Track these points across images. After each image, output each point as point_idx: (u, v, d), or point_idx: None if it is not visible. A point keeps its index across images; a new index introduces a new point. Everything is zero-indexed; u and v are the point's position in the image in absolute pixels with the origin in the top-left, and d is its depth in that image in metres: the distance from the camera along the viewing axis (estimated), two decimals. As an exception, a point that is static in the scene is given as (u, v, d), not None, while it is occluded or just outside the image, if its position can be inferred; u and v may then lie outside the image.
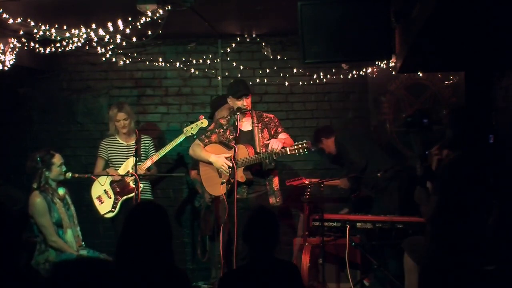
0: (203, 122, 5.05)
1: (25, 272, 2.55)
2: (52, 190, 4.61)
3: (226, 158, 4.59)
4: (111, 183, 5.13)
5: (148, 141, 5.31)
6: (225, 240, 4.72)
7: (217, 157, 4.65)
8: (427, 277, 3.67)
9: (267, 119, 4.79)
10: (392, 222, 4.91)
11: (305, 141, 4.33)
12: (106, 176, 5.12)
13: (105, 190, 5.13)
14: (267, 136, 4.70)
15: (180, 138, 5.12)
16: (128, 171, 5.02)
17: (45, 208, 4.51)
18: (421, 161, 4.24)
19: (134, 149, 5.06)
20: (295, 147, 4.32)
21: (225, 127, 4.81)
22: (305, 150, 4.30)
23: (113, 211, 5.10)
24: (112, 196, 5.12)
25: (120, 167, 5.15)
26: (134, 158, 4.94)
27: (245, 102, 4.64)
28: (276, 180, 4.73)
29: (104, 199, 5.13)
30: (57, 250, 4.52)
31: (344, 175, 5.55)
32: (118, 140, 5.24)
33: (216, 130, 4.83)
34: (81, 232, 4.81)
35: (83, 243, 4.77)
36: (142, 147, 5.18)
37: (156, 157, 5.15)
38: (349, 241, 4.96)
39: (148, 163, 5.09)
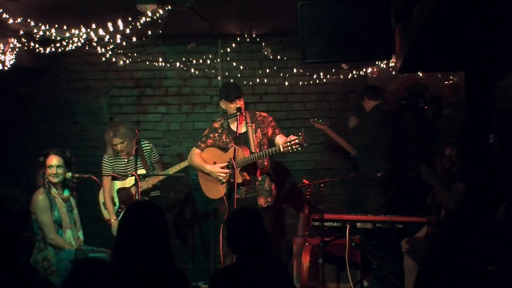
0: None
1: (24, 271, 2.54)
2: (54, 189, 4.63)
3: (221, 167, 4.61)
4: (119, 191, 5.14)
5: (149, 148, 5.24)
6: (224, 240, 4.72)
7: (212, 167, 4.67)
8: (426, 274, 3.67)
9: (261, 118, 4.78)
10: (392, 222, 4.91)
11: (297, 136, 4.27)
12: (114, 183, 5.13)
13: (111, 196, 5.14)
14: (260, 136, 4.70)
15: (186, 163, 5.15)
16: (129, 174, 5.00)
17: (47, 205, 4.56)
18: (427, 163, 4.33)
19: (135, 161, 4.98)
20: (288, 144, 4.29)
21: (219, 131, 4.81)
22: (298, 146, 4.27)
23: (115, 219, 5.08)
24: (117, 204, 5.11)
25: (126, 178, 5.16)
26: (135, 158, 4.93)
27: (238, 104, 4.64)
28: (268, 180, 4.73)
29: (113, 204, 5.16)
30: (56, 248, 4.54)
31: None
32: (119, 156, 5.19)
33: (211, 134, 4.84)
34: (83, 235, 4.82)
35: (83, 244, 4.79)
36: (144, 154, 5.13)
37: (161, 177, 5.17)
38: (349, 241, 4.96)
39: (154, 180, 5.11)
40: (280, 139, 4.66)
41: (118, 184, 5.17)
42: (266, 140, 4.76)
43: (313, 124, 5.70)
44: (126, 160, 5.16)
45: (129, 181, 5.11)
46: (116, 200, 5.14)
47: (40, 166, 4.69)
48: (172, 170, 5.19)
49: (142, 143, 5.18)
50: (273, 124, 4.81)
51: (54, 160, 4.63)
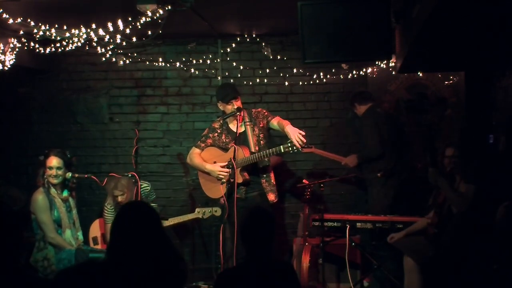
0: (217, 211, 5.00)
1: (24, 270, 2.54)
2: (53, 189, 4.64)
3: (222, 167, 4.62)
4: None
5: (147, 190, 5.16)
6: (224, 240, 4.73)
7: (212, 166, 4.67)
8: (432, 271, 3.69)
9: (255, 114, 4.79)
10: (392, 222, 4.91)
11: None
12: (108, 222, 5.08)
13: (103, 234, 5.10)
14: (257, 133, 4.71)
15: (190, 217, 5.10)
16: (129, 174, 4.98)
17: (47, 205, 4.57)
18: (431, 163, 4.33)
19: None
20: (289, 144, 4.30)
21: (219, 131, 4.81)
22: (299, 147, 4.27)
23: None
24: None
25: None
26: (135, 158, 4.93)
27: (235, 105, 4.65)
28: (273, 177, 4.74)
29: (99, 242, 5.11)
30: (55, 247, 4.54)
31: (351, 157, 5.53)
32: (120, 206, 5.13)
33: (210, 134, 4.84)
34: (82, 235, 4.82)
35: (83, 244, 4.79)
36: (142, 194, 5.04)
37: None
38: (349, 241, 4.96)
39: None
40: (275, 121, 4.65)
41: None
42: (265, 132, 4.74)
43: (305, 151, 5.60)
44: None
45: None
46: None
47: (40, 166, 4.69)
48: (174, 221, 5.15)
49: (142, 184, 5.01)
50: (267, 113, 4.78)
51: (54, 161, 4.61)
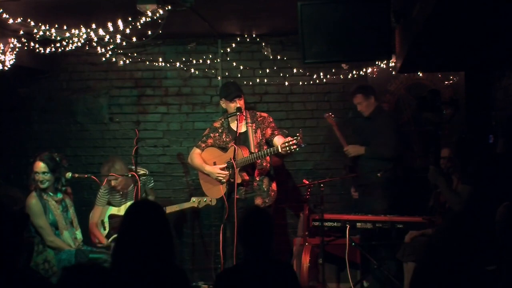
0: (212, 201, 4.98)
1: (25, 270, 2.55)
2: (45, 193, 4.61)
3: (221, 169, 4.62)
4: (111, 217, 5.11)
5: (144, 177, 5.18)
6: (224, 240, 4.73)
7: (212, 168, 4.68)
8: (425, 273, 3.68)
9: (261, 118, 4.79)
10: (392, 222, 4.91)
11: (295, 137, 4.28)
12: (104, 206, 5.11)
13: (102, 220, 5.11)
14: (259, 136, 4.70)
15: (186, 205, 5.05)
16: (128, 174, 4.97)
17: (41, 209, 4.55)
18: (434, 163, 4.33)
19: (133, 191, 4.87)
20: (286, 144, 4.29)
21: (220, 130, 4.82)
22: (296, 147, 4.26)
23: (102, 244, 5.04)
24: (107, 228, 5.08)
25: (121, 205, 5.14)
26: (134, 158, 4.92)
27: (239, 104, 4.65)
28: (266, 181, 4.73)
29: (98, 228, 5.12)
30: (55, 249, 4.52)
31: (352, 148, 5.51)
32: (114, 190, 5.14)
33: (211, 134, 4.84)
34: (81, 234, 4.81)
35: (83, 244, 4.78)
36: (141, 183, 5.00)
37: None
38: (349, 241, 4.96)
39: None
40: (278, 140, 4.65)
41: (112, 210, 5.14)
42: (265, 141, 4.76)
43: (326, 117, 5.60)
44: (121, 193, 5.14)
45: (124, 209, 5.06)
46: (107, 225, 5.11)
47: (31, 169, 4.65)
48: (171, 209, 5.11)
49: (138, 171, 4.98)
50: (273, 125, 4.80)
51: (39, 166, 4.56)
